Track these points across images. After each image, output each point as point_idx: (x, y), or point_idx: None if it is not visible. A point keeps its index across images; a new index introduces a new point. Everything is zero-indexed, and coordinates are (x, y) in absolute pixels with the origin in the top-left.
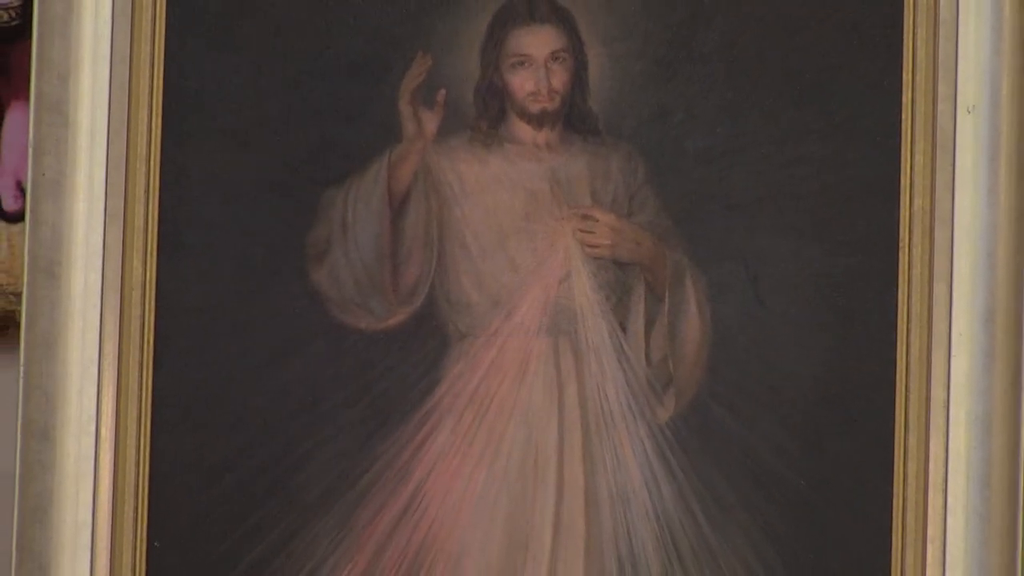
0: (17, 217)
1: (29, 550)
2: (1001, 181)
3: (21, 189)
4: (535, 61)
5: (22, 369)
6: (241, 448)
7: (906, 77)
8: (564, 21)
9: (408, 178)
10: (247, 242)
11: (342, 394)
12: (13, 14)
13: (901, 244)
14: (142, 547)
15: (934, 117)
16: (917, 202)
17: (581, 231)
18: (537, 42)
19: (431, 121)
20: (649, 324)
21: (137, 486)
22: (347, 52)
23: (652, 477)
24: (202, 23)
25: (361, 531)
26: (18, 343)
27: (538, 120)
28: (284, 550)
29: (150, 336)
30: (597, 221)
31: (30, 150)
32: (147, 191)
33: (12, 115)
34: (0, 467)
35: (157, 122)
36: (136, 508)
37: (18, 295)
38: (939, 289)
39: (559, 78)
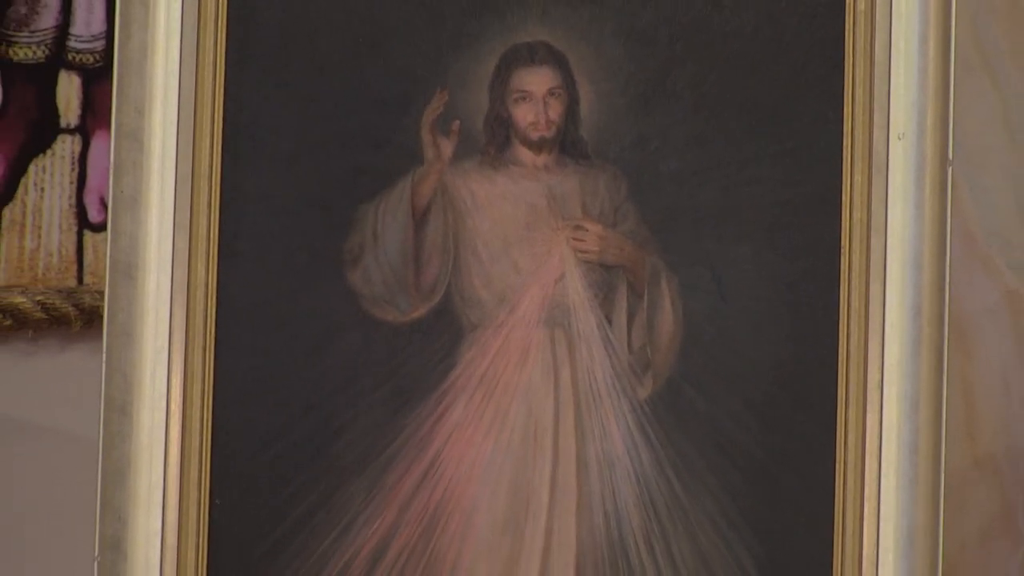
0: (101, 228)
1: (111, 506)
2: (926, 197)
3: (104, 204)
4: (535, 96)
5: (105, 355)
6: (288, 421)
7: (846, 110)
8: (559, 63)
9: (428, 195)
10: (293, 249)
11: (372, 376)
12: (98, 57)
13: (842, 250)
14: (205, 504)
15: (870, 143)
16: (856, 215)
17: (574, 239)
18: (537, 80)
19: (447, 147)
20: (630, 317)
21: (201, 453)
22: (377, 89)
23: (633, 446)
24: (256, 65)
25: (389, 491)
26: (102, 333)
27: (537, 146)
28: (324, 507)
29: (211, 328)
30: (587, 231)
31: (111, 171)
32: (209, 206)
33: (96, 142)
34: (87, 436)
35: (217, 148)
36: (200, 471)
37: (102, 293)
38: (874, 288)
39: (555, 111)
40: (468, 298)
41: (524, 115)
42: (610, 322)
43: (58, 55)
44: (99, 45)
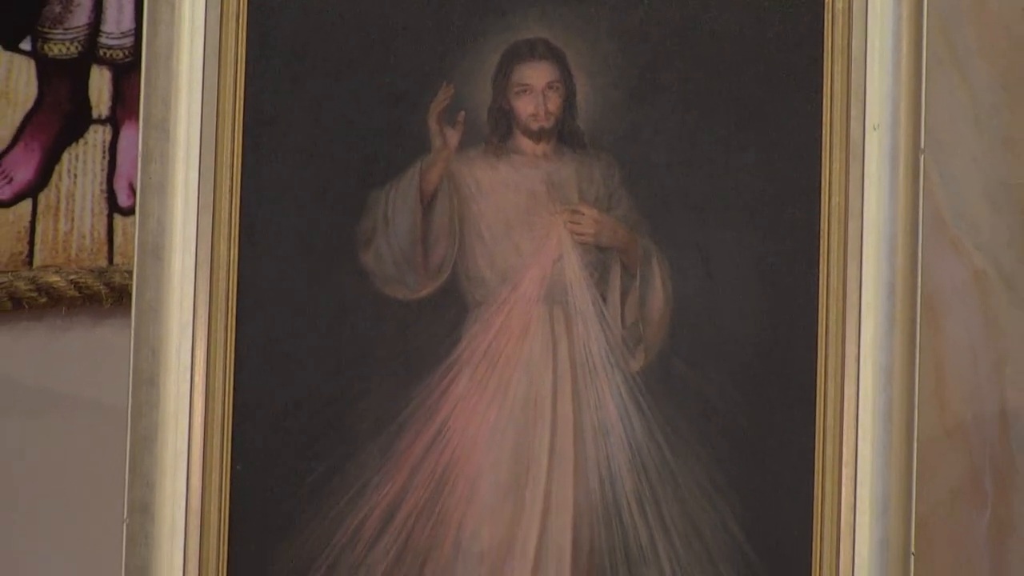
0: (129, 212)
1: (139, 472)
2: (899, 183)
3: (132, 190)
4: (535, 89)
5: (133, 330)
6: (305, 392)
7: (825, 103)
8: (557, 58)
9: (436, 181)
10: (310, 231)
11: (384, 349)
12: (127, 53)
13: (821, 233)
14: (227, 469)
15: (847, 134)
16: (834, 200)
17: (571, 222)
18: (536, 74)
19: (453, 137)
20: (623, 295)
21: (223, 422)
22: (388, 84)
23: (626, 414)
24: (274, 61)
25: (399, 457)
26: (131, 310)
27: (537, 136)
28: (339, 471)
29: (233, 305)
30: (583, 215)
31: (139, 159)
32: (230, 191)
33: (125, 132)
34: (118, 406)
35: (239, 137)
36: (222, 439)
37: (131, 272)
38: (851, 268)
39: (553, 103)
40: (473, 277)
41: (525, 107)
42: (604, 300)
43: (90, 51)
44: (128, 42)
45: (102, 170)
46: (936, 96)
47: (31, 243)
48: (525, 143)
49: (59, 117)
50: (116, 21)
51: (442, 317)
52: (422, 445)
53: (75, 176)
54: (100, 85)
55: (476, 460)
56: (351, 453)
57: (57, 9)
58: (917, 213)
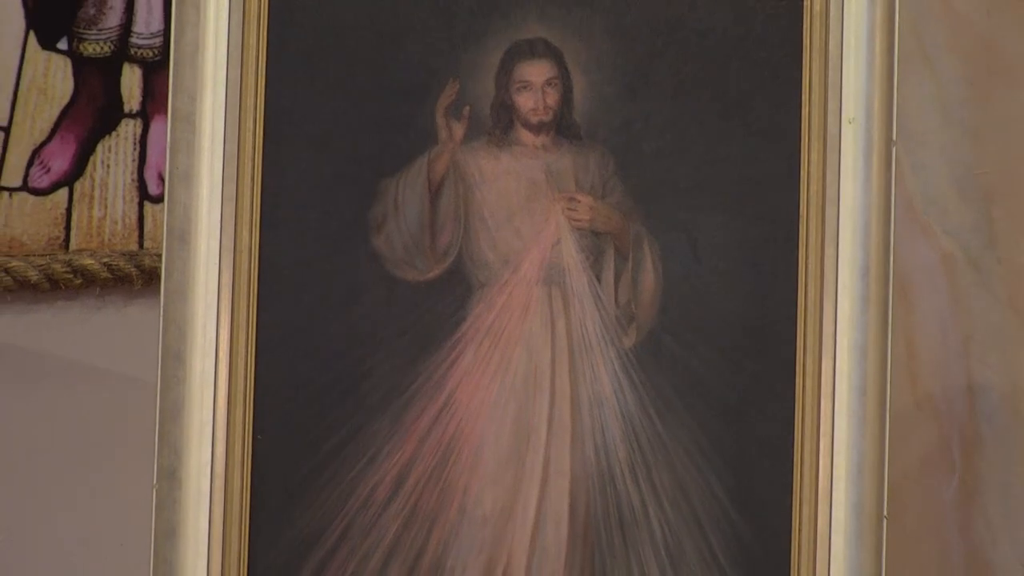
0: (159, 199)
1: (167, 441)
2: (873, 172)
3: (161, 179)
4: (534, 85)
5: (162, 309)
6: (321, 366)
7: (804, 97)
8: (556, 56)
9: (442, 170)
10: (326, 217)
11: (395, 327)
12: (156, 52)
13: (801, 218)
14: (249, 439)
15: (824, 126)
16: (812, 188)
17: (568, 209)
18: (536, 71)
19: (459, 129)
20: (617, 277)
21: (245, 394)
22: (398, 80)
23: (620, 387)
24: (293, 59)
25: (408, 427)
26: (160, 290)
27: (536, 128)
28: (352, 440)
29: (255, 286)
30: (580, 202)
31: (168, 150)
32: (252, 180)
33: (155, 125)
34: (147, 380)
35: (260, 130)
36: (244, 410)
37: (159, 256)
38: (828, 251)
39: (552, 98)
40: (477, 260)
41: (525, 102)
42: (599, 281)
43: (122, 50)
44: (157, 41)
45: (133, 161)
46: (907, 91)
47: (67, 228)
48: (525, 135)
49: (93, 111)
50: (146, 22)
51: (449, 297)
52: (430, 416)
53: (108, 166)
54: (131, 82)
55: (480, 430)
56: (364, 423)
57: (92, 11)
58: (889, 200)
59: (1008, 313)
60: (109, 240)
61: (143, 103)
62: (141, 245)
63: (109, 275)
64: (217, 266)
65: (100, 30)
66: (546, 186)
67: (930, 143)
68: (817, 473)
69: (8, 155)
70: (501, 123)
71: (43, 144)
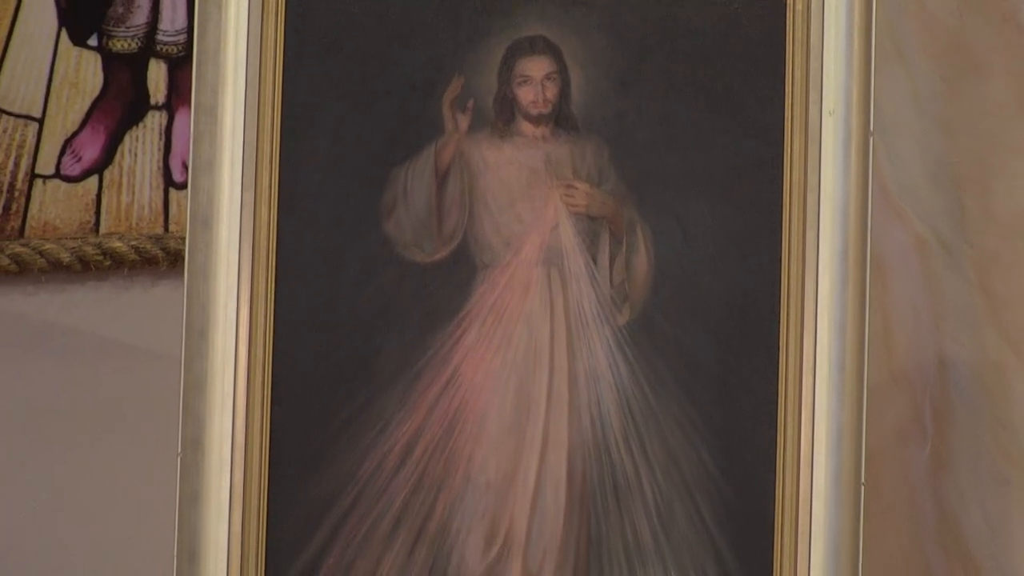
0: (183, 186)
1: (191, 412)
2: (851, 161)
3: (185, 167)
4: (535, 80)
5: (186, 289)
6: (336, 342)
7: (787, 90)
8: (555, 53)
9: (448, 159)
10: (340, 202)
11: (404, 305)
12: (180, 48)
13: (784, 204)
14: (267, 409)
15: (806, 118)
16: (795, 176)
17: (565, 195)
18: (536, 67)
19: (464, 121)
20: (612, 259)
21: (264, 368)
22: (407, 75)
23: (614, 362)
24: (309, 56)
25: (417, 398)
26: (184, 271)
27: (536, 120)
28: (364, 411)
29: (273, 267)
30: (577, 189)
31: (191, 140)
32: (270, 168)
33: (179, 116)
34: (172, 355)
35: (277, 122)
36: (263, 382)
37: (184, 239)
38: (809, 235)
39: (551, 91)
40: (481, 243)
41: (526, 95)
42: (595, 262)
43: (148, 47)
44: (182, 38)
45: (159, 150)
46: (883, 86)
47: (97, 213)
48: (526, 126)
49: (122, 104)
50: (171, 20)
51: (454, 277)
52: (437, 389)
53: (135, 155)
54: (157, 76)
55: (483, 402)
56: (375, 395)
57: (120, 10)
58: (867, 188)
59: (977, 293)
60: (136, 224)
61: (168, 96)
62: (166, 229)
63: (137, 257)
64: (238, 249)
65: (128, 28)
66: (545, 174)
67: (905, 135)
68: (799, 442)
69: (42, 145)
70: (503, 115)
71: (75, 135)
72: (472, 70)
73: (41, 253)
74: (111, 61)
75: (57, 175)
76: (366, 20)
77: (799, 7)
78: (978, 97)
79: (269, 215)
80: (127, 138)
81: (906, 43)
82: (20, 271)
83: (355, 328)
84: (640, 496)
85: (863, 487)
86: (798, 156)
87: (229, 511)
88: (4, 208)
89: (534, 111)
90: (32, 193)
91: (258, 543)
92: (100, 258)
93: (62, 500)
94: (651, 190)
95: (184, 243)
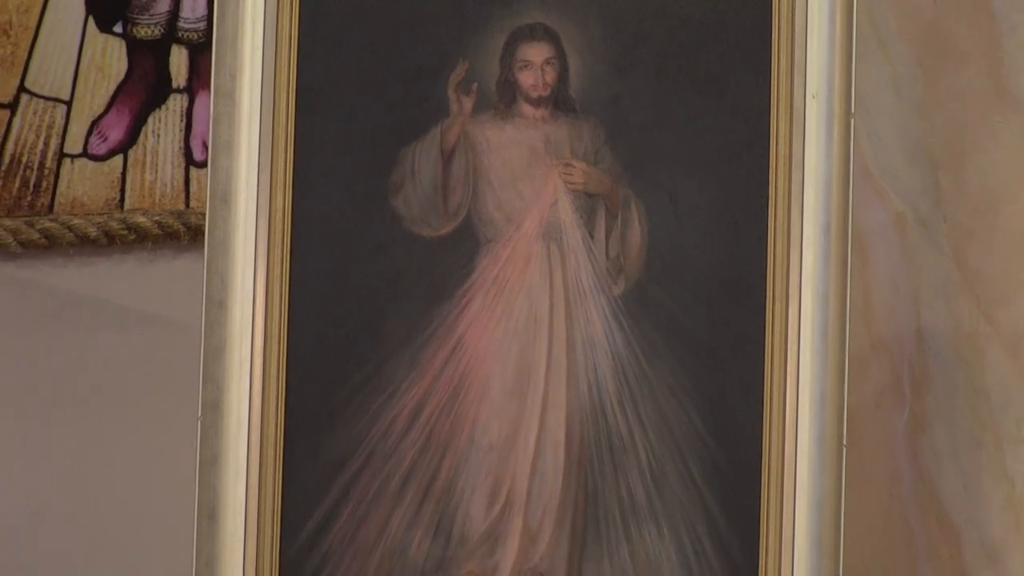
0: (203, 165)
1: (211, 378)
2: (834, 142)
3: (205, 147)
4: (535, 65)
5: (206, 262)
6: (347, 311)
7: (773, 74)
8: (554, 39)
9: (454, 140)
10: (351, 180)
11: (412, 278)
12: (201, 34)
13: (770, 180)
14: (282, 376)
15: (791, 101)
16: (780, 155)
17: (564, 173)
18: (536, 52)
19: (468, 103)
20: (607, 233)
21: (279, 336)
22: (414, 60)
23: (610, 331)
24: (322, 42)
25: (424, 365)
26: (204, 245)
27: (536, 103)
28: (375, 376)
29: (288, 241)
30: (575, 167)
31: (211, 122)
32: (285, 149)
33: (200, 99)
34: (193, 324)
35: (292, 104)
36: (278, 350)
37: (204, 215)
38: (794, 211)
39: (550, 76)
40: (484, 218)
41: (526, 79)
42: (592, 237)
43: (171, 33)
44: (202, 25)
45: (180, 131)
46: (864, 70)
47: (122, 190)
48: (527, 109)
49: (145, 87)
50: (192, 8)
51: (459, 251)
52: (443, 356)
53: (158, 136)
54: (179, 61)
55: (487, 368)
56: (384, 362)
57: None
58: (848, 166)
59: (952, 266)
60: (159, 201)
61: (189, 80)
62: (187, 205)
63: (159, 231)
64: (254, 224)
65: (151, 15)
66: (545, 153)
67: (884, 117)
68: (784, 406)
69: (70, 126)
70: (505, 98)
71: (101, 116)
72: (476, 55)
73: (69, 228)
74: (135, 47)
75: (84, 154)
76: (376, 9)
77: None
78: (953, 81)
79: (284, 192)
80: (150, 120)
81: (886, 30)
82: (50, 245)
83: (365, 299)
84: (634, 456)
85: (845, 448)
86: (783, 137)
87: (247, 472)
88: (34, 186)
89: (534, 94)
90: (61, 171)
91: (275, 501)
92: (125, 232)
93: (91, 463)
94: (644, 168)
95: (204, 218)
